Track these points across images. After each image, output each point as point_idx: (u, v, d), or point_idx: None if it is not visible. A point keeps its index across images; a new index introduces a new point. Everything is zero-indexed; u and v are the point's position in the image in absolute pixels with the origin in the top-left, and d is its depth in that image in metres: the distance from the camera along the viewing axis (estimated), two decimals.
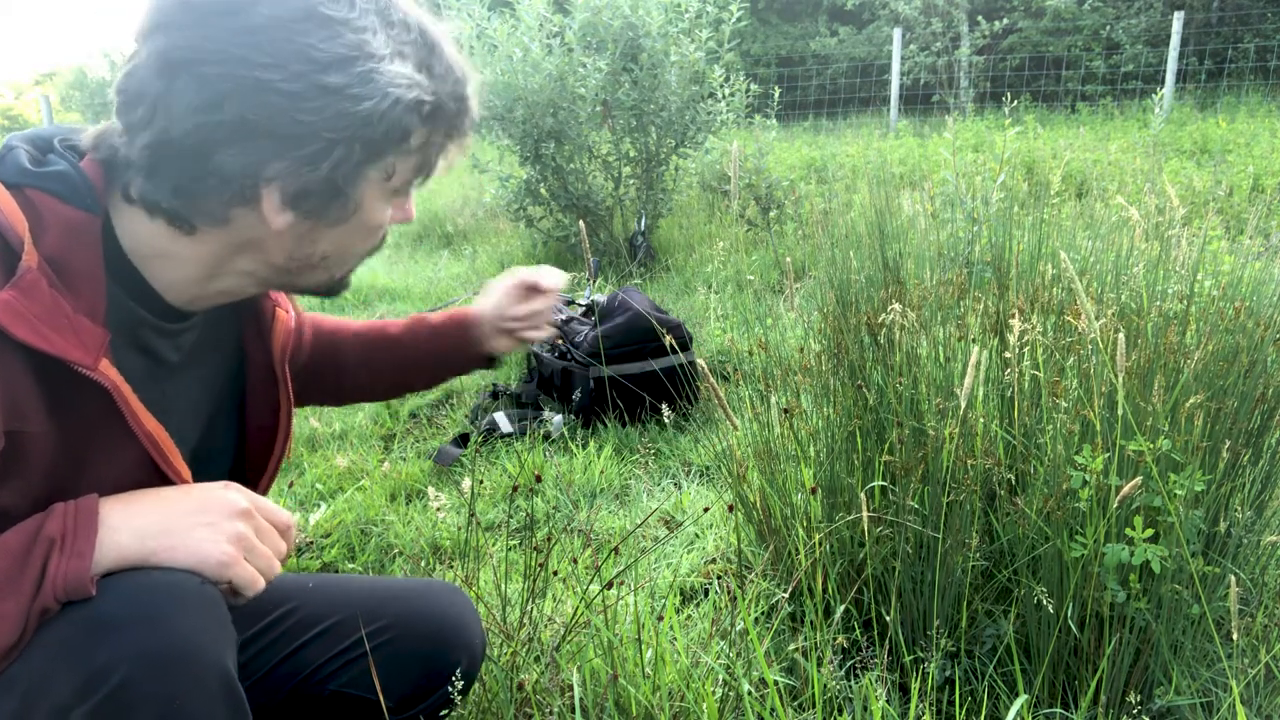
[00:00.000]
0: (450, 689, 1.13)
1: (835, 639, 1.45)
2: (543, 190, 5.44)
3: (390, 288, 5.32)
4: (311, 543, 2.27)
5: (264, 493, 1.08)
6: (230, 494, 0.84)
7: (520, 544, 2.18)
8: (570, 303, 3.41)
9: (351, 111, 0.78)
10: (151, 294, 0.88)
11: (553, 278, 1.26)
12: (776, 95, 6.21)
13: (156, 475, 0.88)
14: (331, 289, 0.97)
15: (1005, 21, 12.84)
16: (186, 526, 0.80)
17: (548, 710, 1.39)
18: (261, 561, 0.84)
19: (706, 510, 1.55)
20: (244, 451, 1.07)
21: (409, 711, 1.12)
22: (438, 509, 1.45)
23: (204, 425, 1.00)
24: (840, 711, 1.43)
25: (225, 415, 1.03)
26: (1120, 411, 1.32)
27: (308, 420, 3.12)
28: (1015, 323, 1.44)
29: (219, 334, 1.01)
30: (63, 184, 0.81)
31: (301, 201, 0.82)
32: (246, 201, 0.82)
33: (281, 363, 1.05)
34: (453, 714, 1.16)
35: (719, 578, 1.92)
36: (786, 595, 1.51)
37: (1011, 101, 2.99)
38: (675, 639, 1.44)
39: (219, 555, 0.80)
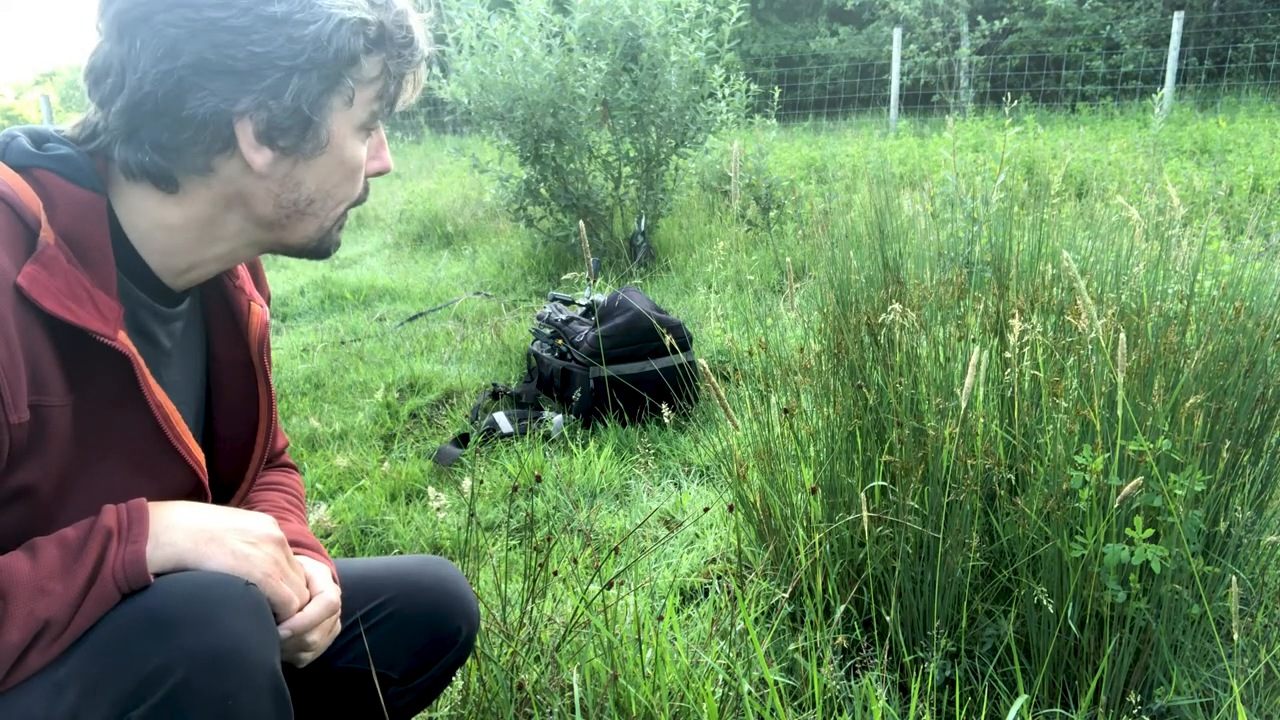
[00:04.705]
0: (454, 656, 1.14)
1: (835, 639, 1.45)
2: (543, 190, 5.44)
3: (390, 287, 5.31)
4: None
5: (248, 488, 1.09)
6: (267, 523, 0.88)
7: (520, 544, 2.18)
8: (570, 303, 3.41)
9: (299, 36, 0.82)
10: (149, 275, 0.90)
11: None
12: (776, 95, 6.22)
13: (167, 451, 0.89)
14: (323, 244, 0.98)
15: (1005, 21, 12.84)
16: (230, 537, 0.84)
17: (548, 710, 1.39)
18: (292, 590, 0.88)
19: (706, 510, 1.55)
20: (212, 458, 1.07)
21: (413, 682, 1.14)
22: (438, 509, 1.45)
23: (190, 422, 1.00)
24: (840, 711, 1.43)
25: (196, 419, 1.03)
26: (1120, 411, 1.32)
27: (308, 420, 3.12)
28: (1015, 323, 1.44)
29: (193, 335, 1.01)
30: (67, 165, 0.84)
31: (275, 135, 0.86)
32: (224, 146, 0.85)
33: (260, 355, 1.05)
34: (453, 713, 1.16)
35: (719, 578, 1.92)
36: (786, 595, 1.51)
37: (1011, 101, 2.98)
38: (675, 639, 1.44)
39: (263, 568, 0.84)
